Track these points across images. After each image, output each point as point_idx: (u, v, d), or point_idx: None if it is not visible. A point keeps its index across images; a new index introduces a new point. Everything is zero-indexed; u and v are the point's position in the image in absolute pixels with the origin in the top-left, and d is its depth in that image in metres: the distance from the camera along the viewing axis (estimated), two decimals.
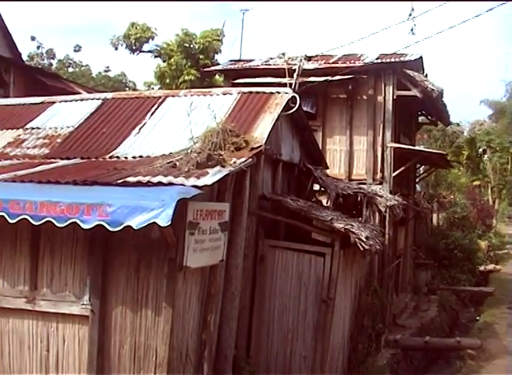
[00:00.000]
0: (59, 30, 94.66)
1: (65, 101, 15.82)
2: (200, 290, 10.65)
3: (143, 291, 9.78)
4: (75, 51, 63.29)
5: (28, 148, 13.83)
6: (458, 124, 52.13)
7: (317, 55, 22.40)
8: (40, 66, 48.31)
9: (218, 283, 11.04)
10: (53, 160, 12.77)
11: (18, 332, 10.54)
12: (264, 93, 13.91)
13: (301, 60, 19.03)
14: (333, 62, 22.57)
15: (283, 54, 22.66)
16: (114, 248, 9.79)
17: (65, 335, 10.26)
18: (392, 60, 22.02)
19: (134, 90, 53.62)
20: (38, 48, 60.14)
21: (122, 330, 9.91)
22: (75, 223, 8.83)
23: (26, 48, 55.69)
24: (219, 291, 11.26)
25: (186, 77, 28.60)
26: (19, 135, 14.57)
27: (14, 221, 9.21)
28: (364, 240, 13.21)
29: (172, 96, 14.67)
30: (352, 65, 21.70)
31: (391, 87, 21.90)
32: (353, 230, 13.24)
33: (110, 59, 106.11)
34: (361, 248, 13.31)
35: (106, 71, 64.96)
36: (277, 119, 13.03)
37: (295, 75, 17.19)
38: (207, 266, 10.57)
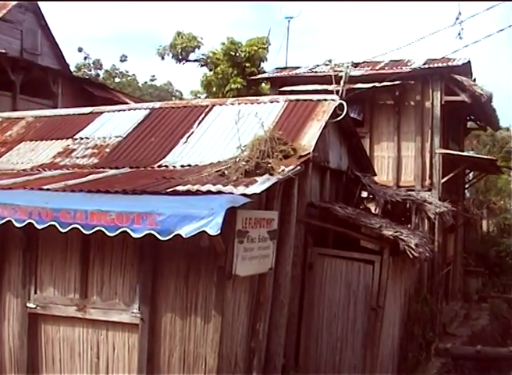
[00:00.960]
0: (105, 40, 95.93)
1: (113, 111, 16.01)
2: (248, 298, 10.63)
3: (192, 299, 9.79)
4: (121, 61, 64.05)
5: (77, 158, 14.02)
6: (508, 129, 51.23)
7: (363, 62, 22.33)
8: (87, 77, 48.97)
9: (267, 291, 11.01)
10: (102, 170, 12.92)
11: (69, 339, 10.68)
12: (311, 100, 13.86)
13: (348, 67, 18.92)
14: (380, 68, 22.50)
15: (330, 61, 22.61)
16: (163, 256, 9.83)
17: (115, 343, 10.34)
18: (440, 65, 21.85)
19: (181, 99, 53.97)
20: (85, 58, 61.01)
21: (171, 338, 9.93)
22: (125, 231, 8.90)
23: (73, 59, 56.67)
24: (268, 299, 11.21)
25: (233, 86, 28.63)
26: (68, 145, 14.78)
27: (65, 230, 9.34)
28: (414, 247, 13.06)
29: (220, 105, 14.71)
30: (399, 71, 21.59)
31: (439, 93, 21.74)
32: (402, 237, 13.10)
33: (155, 69, 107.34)
34: (411, 256, 13.16)
35: (152, 80, 65.57)
36: (324, 127, 12.96)
37: (342, 82, 17.09)
38: (256, 274, 10.55)
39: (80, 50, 60.52)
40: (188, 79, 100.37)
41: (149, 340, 9.95)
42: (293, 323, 12.80)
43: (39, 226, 9.56)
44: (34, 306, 10.89)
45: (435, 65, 21.93)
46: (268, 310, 11.28)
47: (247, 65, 29.31)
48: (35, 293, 10.96)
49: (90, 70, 60.87)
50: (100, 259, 10.37)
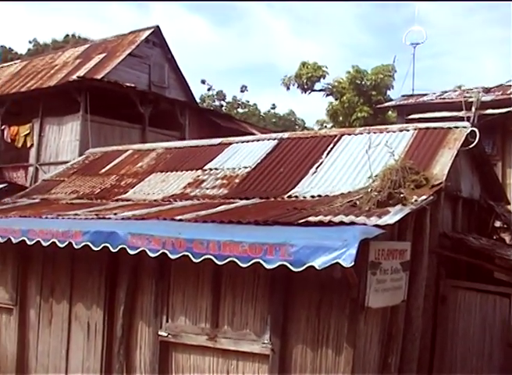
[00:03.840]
0: (225, 72, 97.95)
1: (242, 142, 16.19)
2: (380, 331, 10.39)
3: (323, 331, 9.65)
4: (241, 91, 65.03)
5: (207, 189, 14.22)
6: None
7: (494, 86, 21.76)
8: (212, 108, 49.94)
9: (399, 324, 10.73)
10: (232, 200, 13.02)
11: (199, 368, 10.79)
12: (441, 128, 13.53)
13: (479, 92, 18.49)
14: None
15: (459, 87, 22.25)
16: (295, 287, 9.77)
17: (245, 373, 10.33)
18: None
19: (304, 128, 54.23)
20: (209, 90, 62.40)
21: (301, 370, 9.81)
22: (257, 262, 8.88)
23: (197, 91, 58.02)
24: (400, 332, 10.93)
25: (359, 114, 28.64)
26: (198, 176, 15.03)
27: (198, 261, 9.40)
28: None
29: (348, 134, 14.59)
30: None
31: None
32: None
33: (273, 99, 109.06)
34: None
35: (273, 108, 66.18)
36: (456, 155, 12.62)
37: (473, 108, 16.70)
38: (388, 306, 10.33)
39: (203, 82, 62.07)
40: (309, 108, 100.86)
41: (279, 371, 9.87)
42: (425, 356, 12.42)
43: (172, 257, 9.68)
44: (166, 335, 11.08)
45: None
46: (399, 343, 10.99)
47: (373, 93, 29.27)
48: (167, 322, 11.17)
49: (214, 101, 62.13)
50: (231, 290, 10.44)
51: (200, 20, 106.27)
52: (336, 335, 9.55)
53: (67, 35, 55.76)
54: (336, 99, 30.89)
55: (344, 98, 29.59)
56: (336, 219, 9.53)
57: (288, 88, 32.16)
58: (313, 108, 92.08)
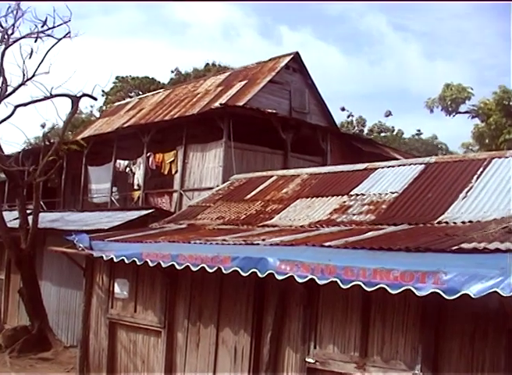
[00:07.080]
0: (357, 97, 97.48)
1: (387, 167, 16.01)
2: None
3: (478, 363, 9.20)
4: (386, 116, 64.50)
5: (354, 215, 14.10)
6: None
7: None
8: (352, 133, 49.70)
9: None
10: (380, 226, 12.81)
11: None
12: None
13: None
14: None
15: None
16: (447, 316, 9.46)
17: None
18: None
19: (446, 152, 53.11)
20: (348, 116, 62.26)
21: None
22: (407, 290, 8.66)
23: (336, 118, 58.05)
24: None
25: (507, 136, 27.71)
26: (344, 202, 14.94)
27: (346, 287, 9.30)
28: None
29: (498, 157, 14.11)
30: None
31: None
32: None
33: (415, 123, 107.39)
34: None
35: (418, 134, 65.25)
36: None
37: None
38: None
39: (343, 109, 61.99)
40: (451, 131, 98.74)
41: None
42: None
43: (320, 282, 9.63)
44: (313, 361, 11.04)
45: None
46: None
47: None
48: (314, 348, 11.13)
49: (354, 128, 61.86)
50: (381, 318, 10.26)
51: (331, 48, 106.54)
52: (492, 368, 9.08)
53: (207, 64, 57.29)
54: (482, 121, 30.06)
55: (491, 119, 28.73)
56: (491, 246, 9.12)
57: (431, 111, 31.68)
58: (455, 132, 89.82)
